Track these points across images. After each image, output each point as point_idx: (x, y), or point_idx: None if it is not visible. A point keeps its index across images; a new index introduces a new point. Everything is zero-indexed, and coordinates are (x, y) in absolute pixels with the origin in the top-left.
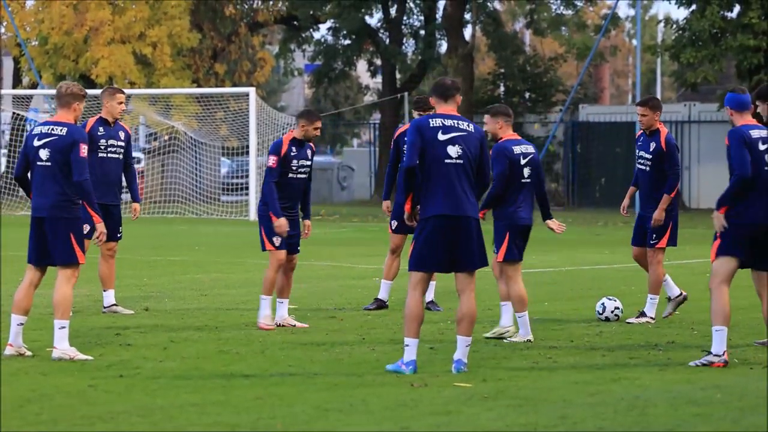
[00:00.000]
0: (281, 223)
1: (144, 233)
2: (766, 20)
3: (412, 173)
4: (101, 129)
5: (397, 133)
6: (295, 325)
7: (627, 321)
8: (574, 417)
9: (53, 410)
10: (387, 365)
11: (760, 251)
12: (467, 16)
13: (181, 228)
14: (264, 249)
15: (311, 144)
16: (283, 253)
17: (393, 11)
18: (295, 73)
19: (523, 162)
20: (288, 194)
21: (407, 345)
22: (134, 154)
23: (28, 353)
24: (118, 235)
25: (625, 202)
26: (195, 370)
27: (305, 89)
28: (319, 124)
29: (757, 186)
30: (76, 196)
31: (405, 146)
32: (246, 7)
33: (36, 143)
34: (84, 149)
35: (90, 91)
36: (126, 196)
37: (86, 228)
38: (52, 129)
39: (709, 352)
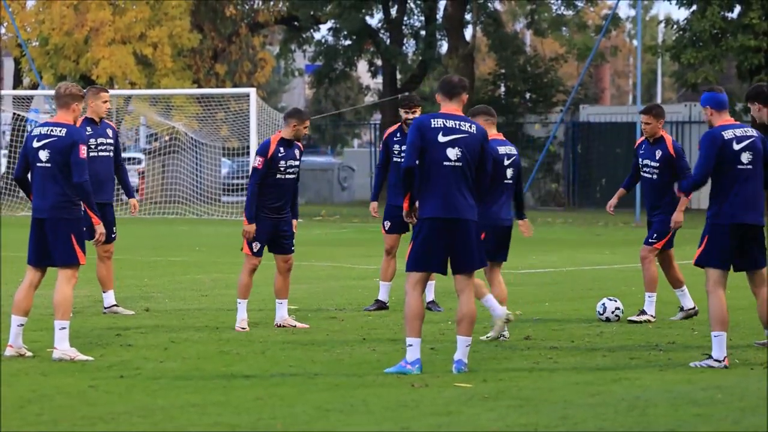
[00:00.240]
0: (250, 229)
1: (144, 234)
2: (766, 21)
3: (411, 173)
4: (89, 129)
5: (386, 134)
6: (295, 326)
7: (629, 319)
8: (574, 417)
9: (54, 411)
10: (386, 369)
11: (746, 252)
12: (468, 16)
13: (181, 228)
14: (242, 249)
15: (299, 144)
16: (257, 260)
17: (393, 12)
18: (295, 74)
19: (507, 162)
20: (277, 194)
21: (410, 345)
22: (135, 154)
23: (29, 354)
24: (113, 236)
25: (613, 201)
26: (196, 370)
27: (306, 90)
28: (308, 123)
29: (734, 187)
30: (76, 197)
31: (395, 146)
32: (246, 7)
33: (35, 144)
34: (83, 150)
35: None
36: (124, 198)
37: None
38: (52, 130)
39: (710, 356)
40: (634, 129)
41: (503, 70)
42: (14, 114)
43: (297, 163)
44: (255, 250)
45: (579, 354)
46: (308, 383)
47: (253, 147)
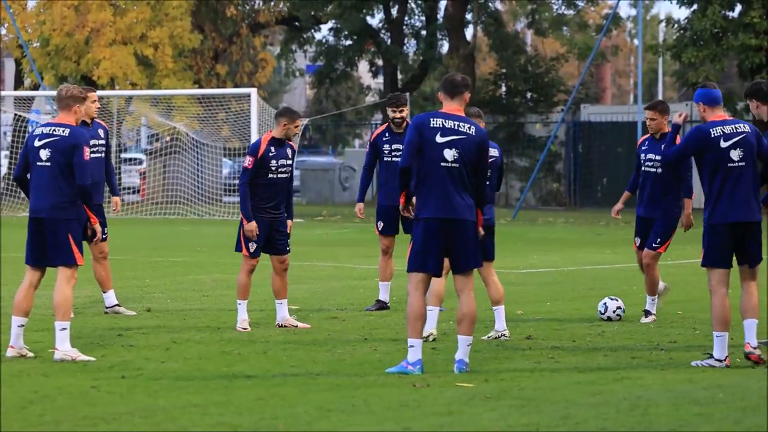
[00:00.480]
0: (251, 227)
1: (146, 234)
2: (767, 19)
3: (408, 172)
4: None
5: (374, 135)
6: (297, 326)
7: (641, 321)
8: (576, 417)
9: (55, 411)
10: (388, 369)
11: (746, 248)
12: (468, 16)
13: (183, 229)
14: (238, 250)
15: (291, 144)
16: (255, 260)
17: (394, 12)
18: (296, 74)
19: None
20: (270, 194)
21: (412, 346)
22: (136, 155)
23: (30, 354)
24: (104, 236)
25: (619, 206)
26: (197, 370)
27: (307, 90)
28: (299, 122)
29: (726, 186)
30: (75, 197)
31: (384, 146)
32: (247, 8)
33: (36, 143)
34: (87, 152)
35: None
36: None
37: None
38: (54, 130)
39: (711, 356)
40: (635, 128)
41: (504, 70)
42: (15, 115)
43: (289, 162)
44: (251, 251)
45: (580, 353)
46: (310, 383)
47: None
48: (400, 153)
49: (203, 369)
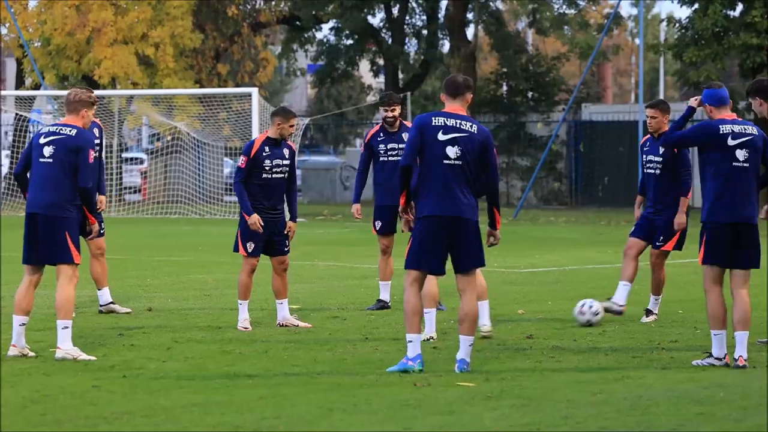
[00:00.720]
0: (254, 220)
1: (147, 233)
2: None
3: (408, 172)
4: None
5: (368, 136)
6: (298, 325)
7: (642, 321)
8: (577, 416)
9: (57, 411)
10: (389, 368)
11: (741, 250)
12: (470, 15)
13: (184, 228)
14: (235, 250)
15: (290, 144)
16: (254, 259)
17: (395, 11)
18: (297, 73)
19: None
20: (265, 194)
21: (410, 341)
22: (137, 154)
23: (31, 354)
24: (101, 231)
25: (637, 212)
26: (198, 370)
27: (308, 89)
28: (294, 122)
29: (728, 185)
30: (74, 197)
31: (379, 146)
32: (248, 7)
33: (41, 141)
34: (92, 155)
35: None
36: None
37: None
38: (61, 129)
39: (710, 354)
40: (637, 127)
41: (505, 69)
42: (16, 114)
43: (286, 162)
44: (250, 251)
45: (581, 353)
46: (311, 383)
47: None
48: (396, 152)
49: (204, 368)
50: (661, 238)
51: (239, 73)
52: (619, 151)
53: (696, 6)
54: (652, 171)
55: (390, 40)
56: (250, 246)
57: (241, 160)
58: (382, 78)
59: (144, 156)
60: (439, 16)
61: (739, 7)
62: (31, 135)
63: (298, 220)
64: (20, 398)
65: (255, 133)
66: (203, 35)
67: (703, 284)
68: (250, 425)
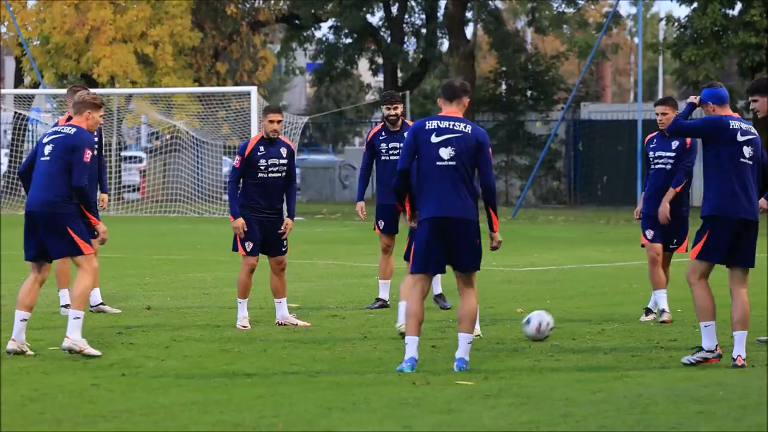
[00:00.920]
0: (237, 224)
1: (146, 232)
2: (767, 18)
3: (405, 176)
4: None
5: (370, 135)
6: (297, 324)
7: (641, 320)
8: (576, 415)
9: (56, 409)
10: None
11: (740, 247)
12: (469, 14)
13: (183, 227)
14: (234, 249)
15: (288, 142)
16: (253, 259)
17: (394, 10)
18: (296, 72)
19: None
20: (261, 193)
21: (406, 343)
22: (136, 153)
23: (30, 352)
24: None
25: (639, 207)
26: (197, 368)
27: (307, 88)
28: (273, 117)
29: (737, 180)
30: (71, 196)
31: (381, 145)
32: (247, 6)
33: (45, 140)
34: (88, 155)
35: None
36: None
37: None
38: (63, 128)
39: (700, 348)
40: (636, 126)
41: (504, 68)
42: (15, 113)
43: (283, 161)
44: (248, 250)
45: (580, 352)
46: (310, 381)
47: None
48: (397, 151)
49: (203, 367)
50: (675, 241)
51: (238, 71)
52: (618, 150)
53: (695, 5)
54: (663, 166)
55: (389, 39)
56: (249, 245)
57: (236, 160)
58: (381, 77)
59: (143, 154)
60: (438, 14)
61: (738, 6)
62: (30, 133)
63: (296, 218)
64: (19, 397)
65: (254, 132)
66: (202, 34)
67: (688, 276)
68: (249, 424)
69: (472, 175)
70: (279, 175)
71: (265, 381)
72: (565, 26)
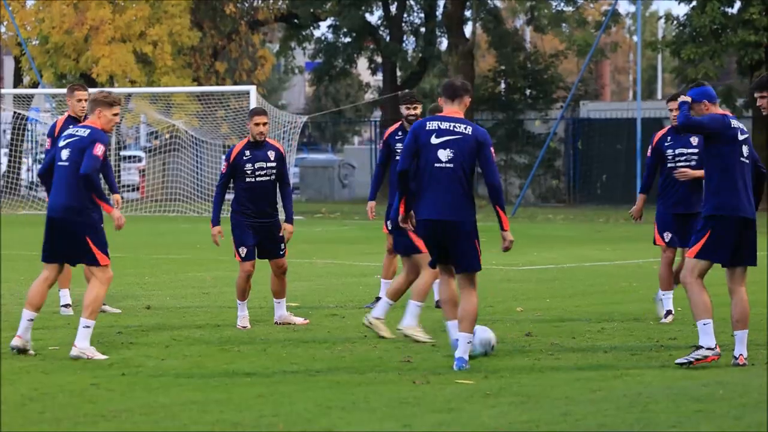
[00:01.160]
0: (213, 232)
1: (145, 231)
2: (766, 16)
3: (405, 176)
4: (71, 127)
5: (387, 133)
6: (295, 323)
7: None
8: (576, 414)
9: (56, 409)
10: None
11: (741, 247)
12: (468, 13)
13: (182, 226)
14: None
15: (276, 145)
16: (248, 264)
17: (393, 9)
18: (295, 71)
19: None
20: (251, 198)
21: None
22: (136, 152)
23: (32, 352)
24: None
25: (638, 206)
26: (197, 368)
27: (306, 87)
28: (257, 119)
29: (739, 180)
30: (93, 200)
31: (397, 145)
32: (246, 5)
33: (60, 144)
34: (99, 148)
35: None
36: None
37: None
38: (77, 131)
39: (699, 347)
40: (635, 125)
41: (503, 67)
42: (15, 113)
43: (271, 165)
44: (243, 255)
45: (580, 351)
46: (309, 380)
47: None
48: None
49: (203, 366)
50: (693, 239)
51: (237, 71)
52: (617, 149)
53: (694, 3)
54: (687, 164)
55: (388, 38)
56: (243, 251)
57: (223, 165)
58: (380, 76)
59: (142, 154)
60: (437, 13)
61: (737, 4)
62: (30, 133)
63: (296, 218)
64: (19, 396)
65: None
66: (201, 33)
67: (684, 276)
68: (249, 423)
69: (470, 177)
70: (268, 178)
71: (265, 380)
72: (564, 25)
